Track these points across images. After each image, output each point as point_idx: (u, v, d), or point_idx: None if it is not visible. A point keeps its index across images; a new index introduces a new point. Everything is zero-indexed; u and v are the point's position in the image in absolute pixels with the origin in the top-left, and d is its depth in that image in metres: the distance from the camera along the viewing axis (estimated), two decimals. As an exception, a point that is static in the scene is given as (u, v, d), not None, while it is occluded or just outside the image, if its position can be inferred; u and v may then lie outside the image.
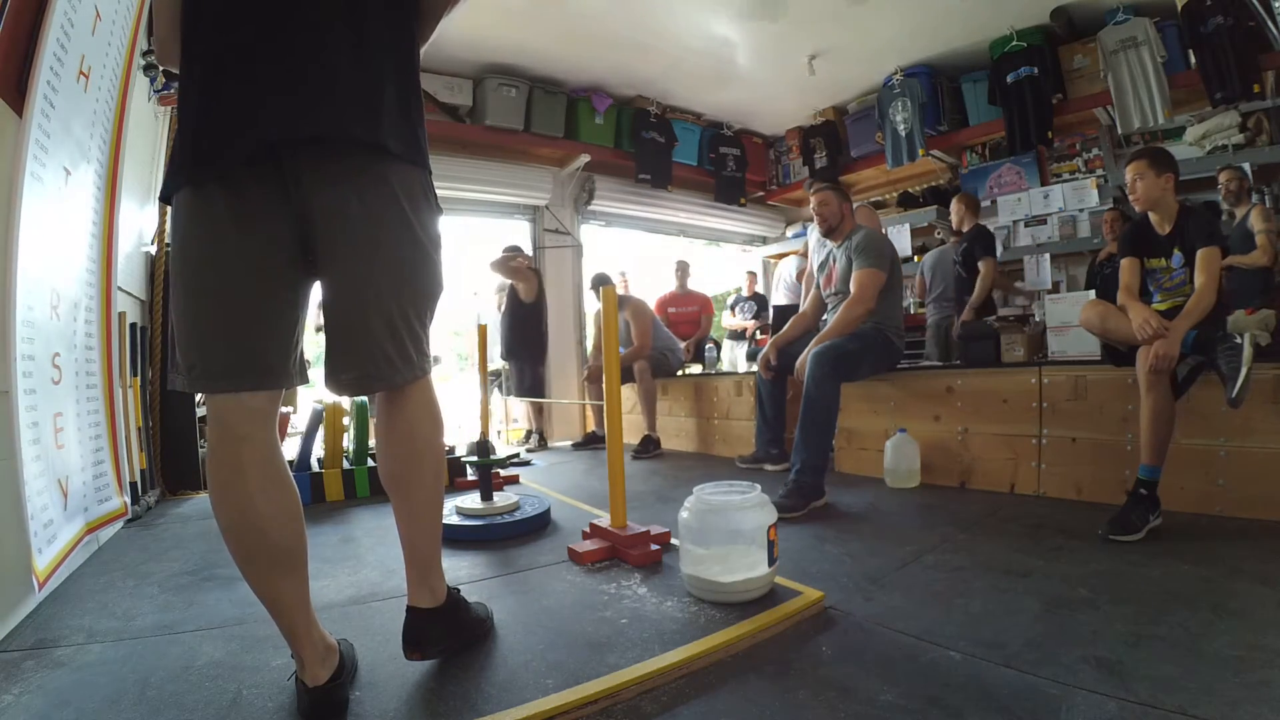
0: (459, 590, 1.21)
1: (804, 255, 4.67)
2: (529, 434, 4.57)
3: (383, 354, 0.99)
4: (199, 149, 0.88)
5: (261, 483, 0.92)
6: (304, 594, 0.97)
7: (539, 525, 2.09)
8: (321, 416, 2.83)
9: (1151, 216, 1.96)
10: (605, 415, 1.80)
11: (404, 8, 1.01)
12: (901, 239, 4.99)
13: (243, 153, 0.87)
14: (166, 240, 3.01)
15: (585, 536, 1.86)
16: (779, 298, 5.06)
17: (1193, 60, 3.62)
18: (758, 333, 4.83)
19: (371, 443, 3.29)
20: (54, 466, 1.64)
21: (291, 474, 0.99)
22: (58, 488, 1.66)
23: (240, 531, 0.92)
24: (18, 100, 1.51)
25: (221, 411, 0.93)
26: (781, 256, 5.91)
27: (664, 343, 4.17)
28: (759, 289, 5.81)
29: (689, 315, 5.07)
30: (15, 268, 1.40)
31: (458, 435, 4.50)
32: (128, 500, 2.35)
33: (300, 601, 0.96)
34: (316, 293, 1.01)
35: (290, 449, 3.12)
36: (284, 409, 3.66)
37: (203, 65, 0.91)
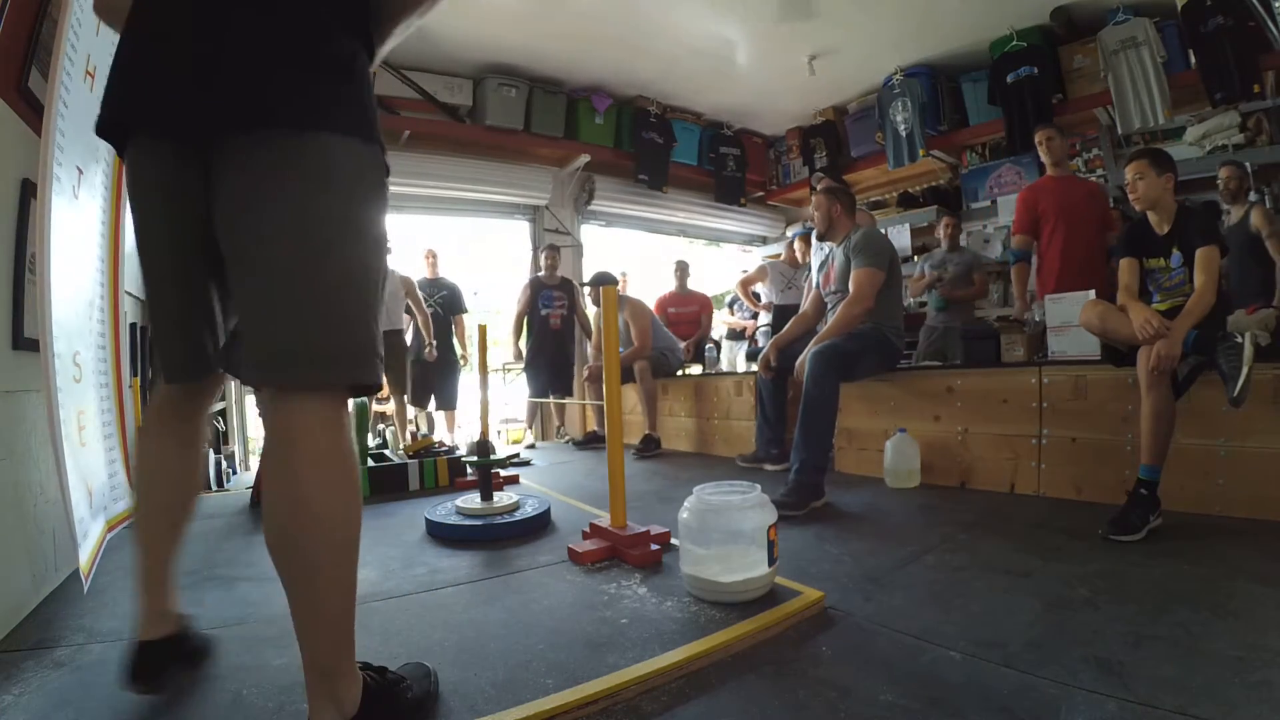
0: (381, 676, 0.91)
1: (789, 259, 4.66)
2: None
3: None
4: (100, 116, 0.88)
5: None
6: (171, 551, 1.02)
7: (539, 525, 2.09)
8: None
9: (1151, 216, 1.96)
10: (605, 415, 1.80)
11: None
12: (901, 239, 4.99)
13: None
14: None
15: (585, 536, 1.86)
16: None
17: (1193, 60, 3.62)
18: (758, 333, 4.83)
19: (372, 442, 3.32)
20: (80, 465, 1.66)
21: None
22: (84, 485, 1.67)
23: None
24: (17, 101, 1.51)
25: None
26: (770, 259, 5.89)
27: (664, 343, 4.17)
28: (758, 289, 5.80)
29: (689, 315, 5.07)
30: (49, 265, 1.40)
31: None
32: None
33: (163, 557, 1.01)
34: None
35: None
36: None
37: (129, 25, 0.87)
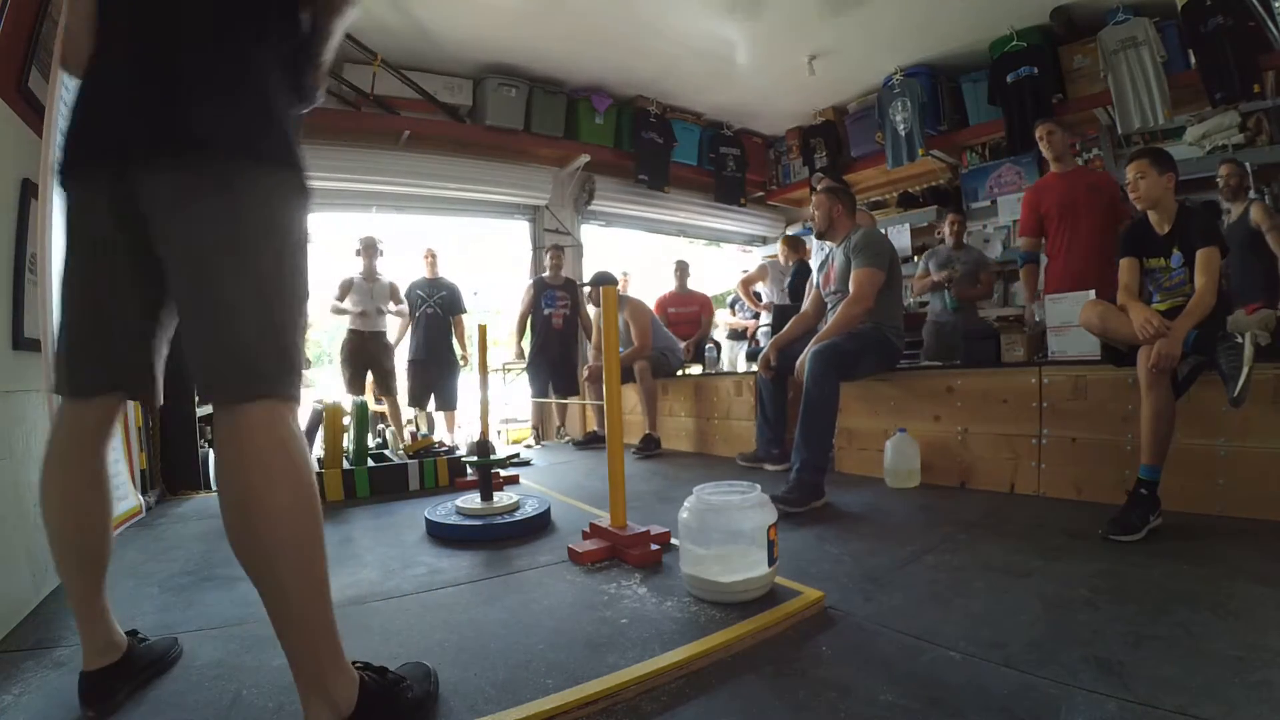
0: (381, 676, 0.93)
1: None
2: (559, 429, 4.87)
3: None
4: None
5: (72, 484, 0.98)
6: (93, 589, 1.01)
7: (539, 525, 2.09)
8: (321, 417, 2.83)
9: (1151, 216, 1.96)
10: (605, 415, 1.80)
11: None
12: (901, 239, 5.00)
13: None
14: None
15: (585, 536, 1.86)
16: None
17: (1193, 60, 3.62)
18: (758, 333, 4.84)
19: (372, 442, 3.32)
20: None
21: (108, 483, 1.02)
22: None
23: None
24: (17, 101, 1.51)
25: None
26: (770, 258, 5.91)
27: (664, 343, 4.18)
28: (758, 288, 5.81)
29: (689, 315, 5.07)
30: (49, 265, 1.40)
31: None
32: (142, 499, 2.36)
33: (86, 595, 1.00)
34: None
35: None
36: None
37: (85, 75, 0.92)
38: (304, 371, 0.92)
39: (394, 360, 4.44)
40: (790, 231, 6.45)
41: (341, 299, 4.27)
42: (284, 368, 0.87)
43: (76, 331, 0.96)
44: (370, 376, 4.34)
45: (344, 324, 4.34)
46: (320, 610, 0.85)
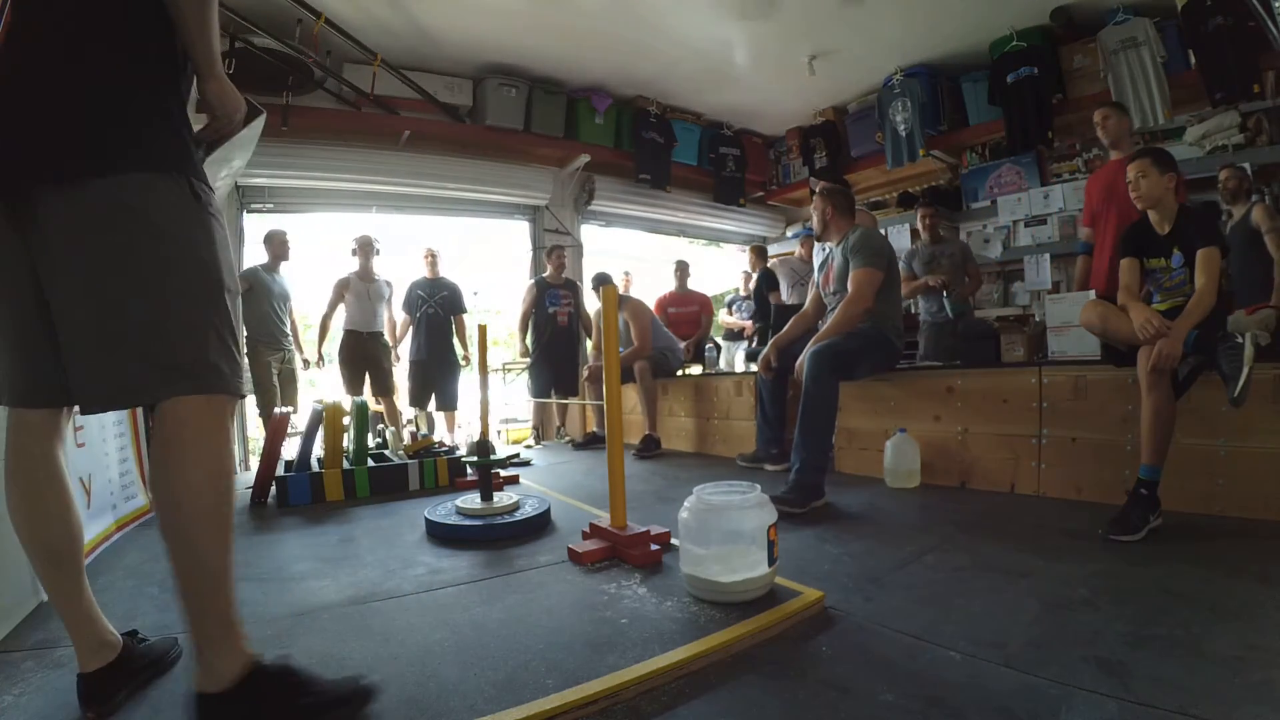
0: (285, 671, 0.94)
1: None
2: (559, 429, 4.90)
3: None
4: None
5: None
6: (74, 587, 1.01)
7: (539, 525, 2.09)
8: (321, 416, 2.83)
9: (1151, 216, 1.96)
10: (605, 415, 1.80)
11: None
12: (901, 239, 4.99)
13: None
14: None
15: (585, 536, 1.86)
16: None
17: (1193, 60, 3.62)
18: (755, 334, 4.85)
19: (372, 442, 3.32)
20: (75, 465, 1.66)
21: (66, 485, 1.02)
22: (79, 486, 1.67)
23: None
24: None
25: None
26: (776, 257, 5.93)
27: (664, 343, 4.18)
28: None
29: (689, 315, 5.07)
30: None
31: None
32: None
33: (69, 593, 1.01)
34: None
35: (290, 449, 3.15)
36: (284, 409, 3.65)
37: None
38: (226, 364, 0.95)
39: (392, 361, 4.44)
40: (790, 232, 6.47)
41: (338, 298, 4.27)
42: (185, 370, 0.91)
43: (3, 347, 0.98)
44: (368, 377, 4.34)
45: (341, 324, 4.35)
46: (216, 587, 0.90)
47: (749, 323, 5.15)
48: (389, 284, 4.42)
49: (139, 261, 0.89)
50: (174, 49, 0.97)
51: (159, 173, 0.92)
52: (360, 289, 4.25)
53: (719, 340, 5.24)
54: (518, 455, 3.80)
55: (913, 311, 4.16)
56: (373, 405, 4.42)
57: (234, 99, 1.05)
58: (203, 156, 1.04)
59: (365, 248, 4.28)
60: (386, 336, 4.42)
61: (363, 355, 4.27)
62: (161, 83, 0.96)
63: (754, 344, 4.65)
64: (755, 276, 4.80)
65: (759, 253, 5.05)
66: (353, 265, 4.30)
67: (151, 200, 0.90)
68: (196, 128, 1.03)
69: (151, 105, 0.93)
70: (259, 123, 1.14)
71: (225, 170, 1.16)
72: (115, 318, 0.88)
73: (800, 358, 2.53)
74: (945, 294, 3.71)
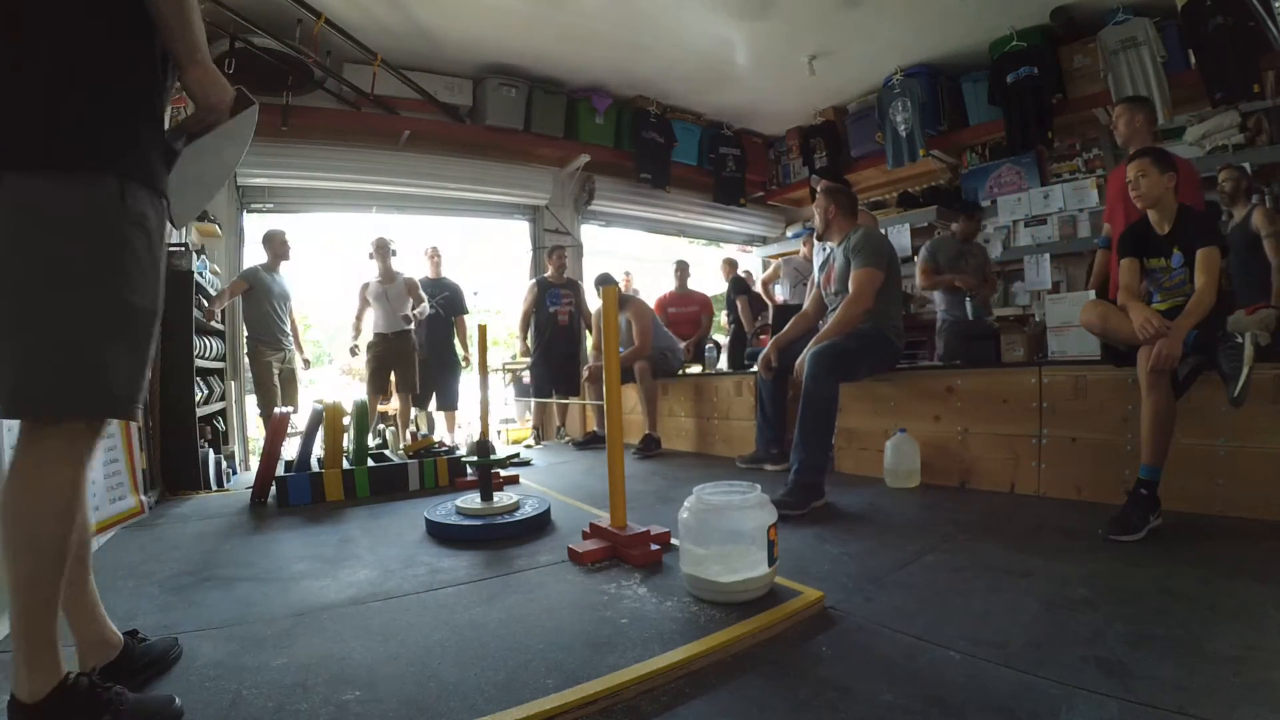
0: (96, 685, 0.93)
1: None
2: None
3: None
4: None
5: None
6: (77, 582, 1.00)
7: (539, 525, 2.09)
8: (321, 416, 2.83)
9: (1151, 216, 1.96)
10: (605, 415, 1.80)
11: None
12: (901, 239, 5.00)
13: None
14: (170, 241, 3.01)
15: (585, 536, 1.86)
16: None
17: (1193, 60, 3.62)
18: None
19: (372, 442, 3.32)
20: None
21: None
22: None
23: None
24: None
25: None
26: (779, 256, 5.94)
27: (664, 343, 4.18)
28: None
29: (689, 315, 5.07)
30: None
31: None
32: (144, 499, 2.36)
33: (71, 588, 0.99)
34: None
35: (290, 449, 3.15)
36: (284, 409, 3.65)
37: None
38: (87, 385, 0.90)
39: (416, 359, 4.37)
40: (790, 232, 6.47)
41: (364, 304, 4.27)
42: (67, 392, 0.88)
43: None
44: (393, 375, 4.32)
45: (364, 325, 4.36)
46: (33, 612, 0.88)
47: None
48: (409, 280, 4.32)
49: (33, 270, 0.86)
50: (137, 39, 0.94)
51: (72, 171, 0.87)
52: (380, 292, 4.22)
53: (719, 340, 5.24)
54: (518, 455, 3.80)
55: (925, 308, 4.15)
56: (381, 406, 4.43)
57: (219, 87, 1.01)
58: (184, 144, 1.02)
59: (381, 250, 4.20)
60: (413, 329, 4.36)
61: (390, 356, 4.25)
62: (110, 75, 0.92)
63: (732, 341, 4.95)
64: (727, 285, 5.16)
65: (730, 264, 5.44)
66: (372, 269, 4.26)
67: (65, 205, 0.87)
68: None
69: (93, 96, 0.89)
70: (251, 113, 1.09)
71: (217, 163, 1.13)
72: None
73: (800, 358, 2.53)
74: (970, 297, 3.69)
